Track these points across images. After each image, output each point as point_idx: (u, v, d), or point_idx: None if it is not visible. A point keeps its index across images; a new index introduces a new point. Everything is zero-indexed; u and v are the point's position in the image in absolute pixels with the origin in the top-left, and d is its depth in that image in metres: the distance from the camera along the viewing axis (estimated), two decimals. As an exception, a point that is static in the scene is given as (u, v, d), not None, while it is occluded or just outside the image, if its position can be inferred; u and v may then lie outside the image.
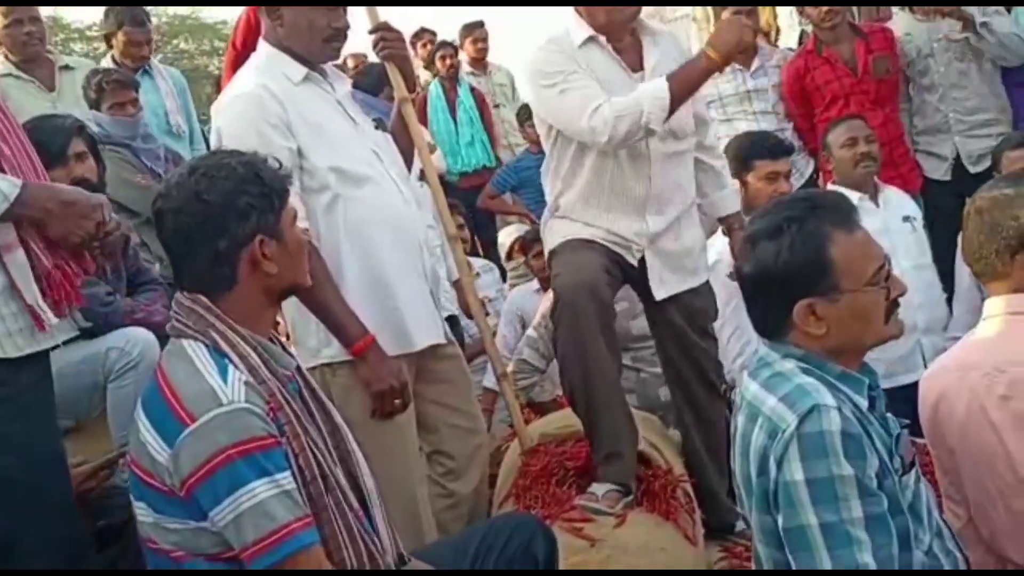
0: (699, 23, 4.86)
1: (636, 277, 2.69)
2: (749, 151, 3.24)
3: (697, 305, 2.72)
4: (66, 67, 4.01)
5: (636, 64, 2.62)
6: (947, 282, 3.53)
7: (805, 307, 1.62)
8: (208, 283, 1.64)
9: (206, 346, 1.59)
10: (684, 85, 2.49)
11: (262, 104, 2.23)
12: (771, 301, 1.66)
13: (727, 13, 4.13)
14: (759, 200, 3.19)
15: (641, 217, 2.62)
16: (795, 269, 1.62)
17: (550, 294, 3.67)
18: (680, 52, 2.73)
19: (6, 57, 3.93)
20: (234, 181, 1.62)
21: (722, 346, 2.90)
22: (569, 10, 2.66)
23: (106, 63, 4.27)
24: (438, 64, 5.93)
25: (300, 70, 2.33)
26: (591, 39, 2.59)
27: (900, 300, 1.70)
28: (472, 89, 6.06)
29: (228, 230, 1.61)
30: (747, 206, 3.21)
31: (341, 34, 2.37)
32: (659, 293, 2.66)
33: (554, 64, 2.57)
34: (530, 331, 3.67)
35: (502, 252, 5.01)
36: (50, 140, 2.64)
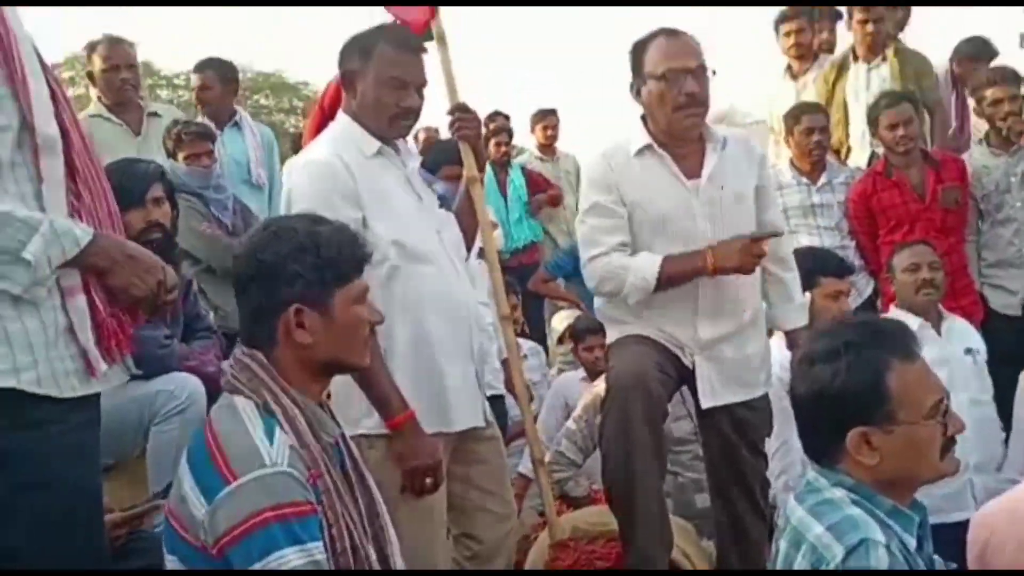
0: (776, 135, 4.91)
1: (691, 378, 2.65)
2: (816, 267, 3.22)
3: (750, 419, 2.66)
4: (154, 114, 4.20)
5: (695, 171, 2.63)
6: (1006, 420, 3.43)
7: (859, 435, 1.58)
8: (251, 338, 1.68)
9: (256, 405, 1.61)
10: (674, 274, 2.56)
11: (334, 173, 2.28)
12: (824, 426, 1.62)
13: (802, 127, 4.17)
14: (822, 317, 3.16)
15: (691, 325, 2.61)
16: (851, 395, 1.58)
17: (592, 387, 3.67)
18: (749, 155, 2.74)
19: (99, 99, 4.11)
20: (290, 247, 1.66)
21: (766, 460, 2.83)
22: (636, 116, 2.72)
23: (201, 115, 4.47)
24: (491, 149, 5.98)
25: (373, 144, 2.38)
26: (647, 147, 2.63)
27: (960, 435, 1.65)
28: (523, 168, 6.17)
29: (269, 291, 1.66)
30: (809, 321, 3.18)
31: (410, 113, 2.41)
32: (706, 402, 2.62)
33: (592, 185, 2.68)
34: (570, 423, 3.64)
35: (553, 336, 5.02)
36: (133, 183, 2.77)
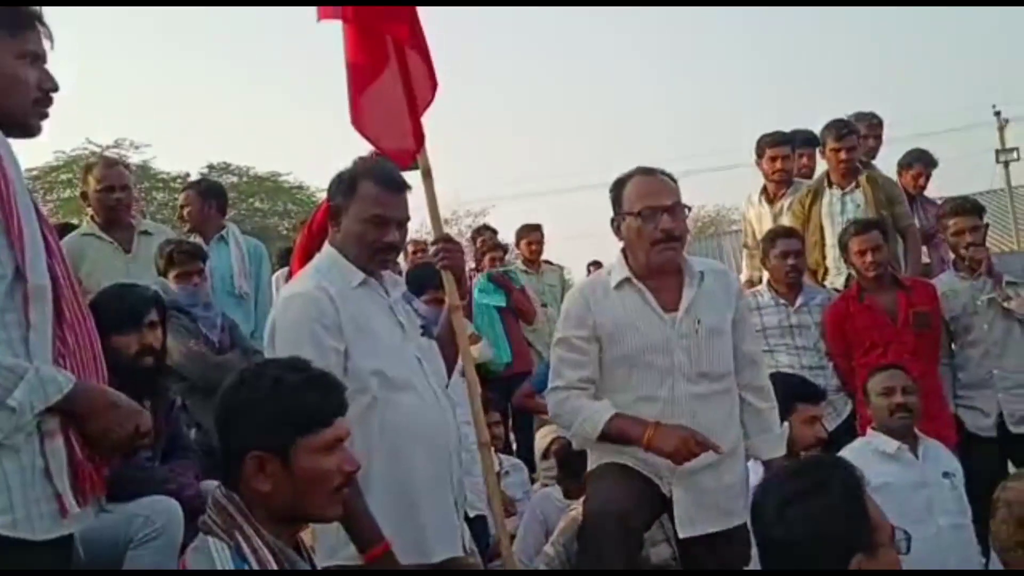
0: (751, 250, 5.12)
1: (670, 506, 2.68)
2: (792, 393, 3.28)
3: (728, 550, 2.67)
4: (145, 232, 4.28)
5: (673, 304, 2.72)
6: (983, 544, 3.43)
7: (857, 563, 1.59)
8: (226, 477, 1.72)
9: (229, 548, 1.63)
10: (616, 434, 2.64)
11: (317, 305, 2.34)
12: (825, 559, 1.62)
13: (777, 250, 4.29)
14: (799, 443, 3.21)
15: None
16: (850, 524, 1.62)
17: (570, 511, 3.65)
18: (727, 288, 2.83)
19: (92, 218, 4.21)
20: (256, 396, 1.71)
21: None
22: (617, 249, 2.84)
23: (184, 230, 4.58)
24: (486, 262, 6.17)
25: (357, 275, 2.44)
26: (626, 280, 2.74)
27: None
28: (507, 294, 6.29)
29: (234, 435, 1.71)
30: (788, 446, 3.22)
31: (391, 249, 2.48)
32: (684, 531, 2.64)
33: (566, 317, 2.80)
34: (547, 548, 3.61)
35: (538, 451, 5.00)
36: (130, 307, 2.89)
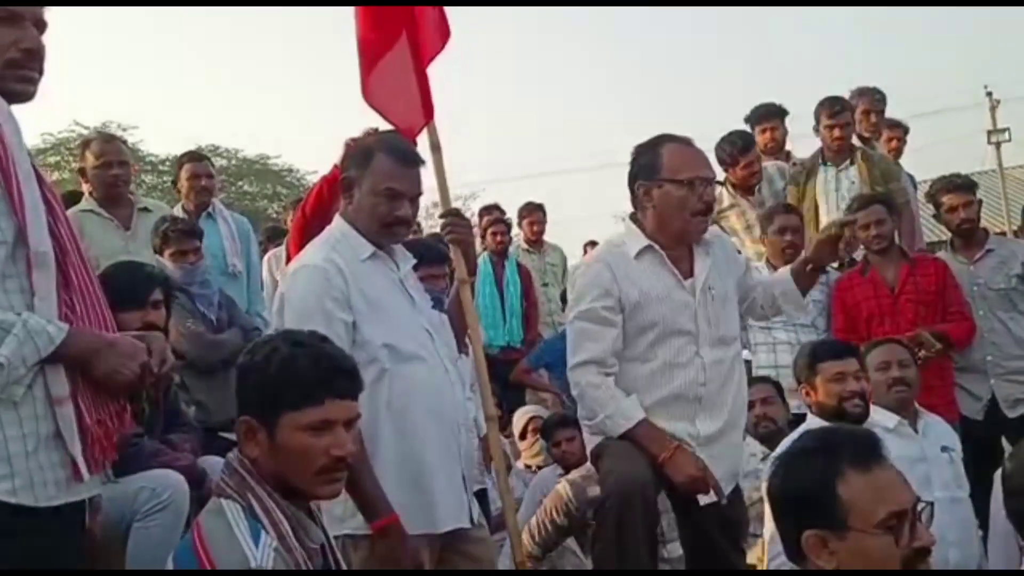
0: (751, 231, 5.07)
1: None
2: (813, 355, 3.29)
3: (730, 515, 2.69)
4: (144, 209, 4.24)
5: (688, 272, 2.74)
6: (982, 518, 3.45)
7: (814, 537, 1.63)
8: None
9: (243, 508, 1.65)
10: (637, 440, 2.62)
11: (326, 278, 2.33)
12: (785, 525, 1.71)
13: (775, 226, 4.29)
14: (829, 401, 3.22)
15: (692, 420, 2.67)
16: (801, 499, 1.67)
17: (559, 487, 3.65)
18: (728, 253, 2.89)
19: (90, 194, 4.16)
20: (252, 363, 1.75)
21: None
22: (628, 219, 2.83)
23: (178, 211, 4.52)
24: (488, 239, 6.17)
25: (367, 248, 2.44)
26: (647, 248, 2.72)
27: (936, 532, 1.69)
28: (519, 266, 6.27)
29: (236, 400, 1.75)
30: (819, 410, 3.23)
31: (402, 223, 2.47)
32: (706, 498, 2.64)
33: (590, 287, 2.72)
34: (532, 520, 3.63)
35: (516, 431, 5.02)
36: (136, 284, 2.90)
